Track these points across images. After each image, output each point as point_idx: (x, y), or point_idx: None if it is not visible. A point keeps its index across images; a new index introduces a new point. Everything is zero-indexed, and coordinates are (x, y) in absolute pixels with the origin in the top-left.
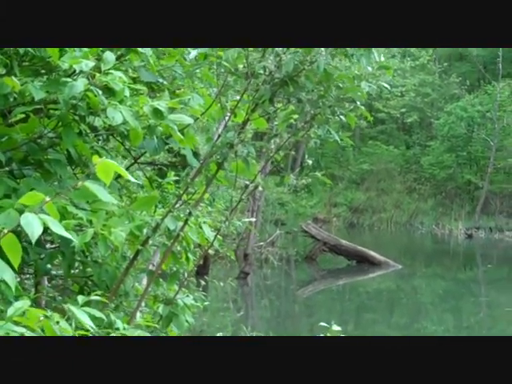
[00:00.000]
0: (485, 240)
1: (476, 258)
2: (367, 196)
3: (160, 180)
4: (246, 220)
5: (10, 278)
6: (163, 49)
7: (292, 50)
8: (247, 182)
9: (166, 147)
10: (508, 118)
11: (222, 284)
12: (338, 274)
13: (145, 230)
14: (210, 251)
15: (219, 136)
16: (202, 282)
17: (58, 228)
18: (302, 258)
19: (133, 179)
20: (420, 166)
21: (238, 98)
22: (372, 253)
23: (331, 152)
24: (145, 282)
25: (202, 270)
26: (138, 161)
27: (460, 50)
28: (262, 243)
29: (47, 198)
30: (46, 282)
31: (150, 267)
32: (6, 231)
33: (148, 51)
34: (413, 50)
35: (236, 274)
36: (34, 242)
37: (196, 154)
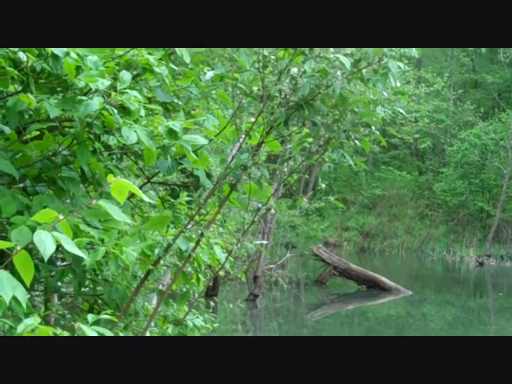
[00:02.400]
0: (496, 268)
1: (487, 286)
2: (379, 221)
3: (172, 200)
4: (258, 242)
5: (21, 295)
6: (179, 69)
7: (308, 73)
8: (259, 205)
9: (180, 167)
10: None
11: (231, 306)
12: (347, 299)
13: (156, 250)
14: (221, 272)
15: (233, 158)
16: (212, 304)
17: (71, 246)
18: (311, 282)
19: (147, 199)
20: (432, 192)
21: (253, 119)
22: (383, 278)
23: (344, 176)
24: (155, 301)
25: (211, 291)
26: (151, 180)
27: (475, 77)
28: (272, 265)
29: (61, 216)
30: (56, 300)
31: (160, 287)
32: (18, 248)
33: (164, 71)
34: (428, 76)
35: (245, 296)
36: (46, 259)
37: (209, 175)
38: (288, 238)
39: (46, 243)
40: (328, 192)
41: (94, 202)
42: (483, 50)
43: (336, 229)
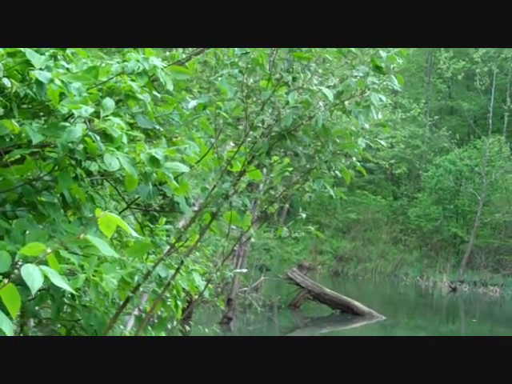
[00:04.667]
0: (469, 294)
1: (459, 312)
2: (353, 245)
3: (151, 226)
4: (238, 271)
5: (8, 328)
6: (161, 95)
7: (291, 104)
8: (234, 227)
9: (159, 193)
10: (496, 174)
11: (206, 330)
12: (321, 323)
13: (136, 277)
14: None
15: (214, 186)
16: (187, 328)
17: (58, 280)
18: (285, 305)
19: (135, 234)
20: (407, 218)
21: (232, 144)
22: (356, 303)
23: (318, 200)
24: (130, 324)
25: (185, 315)
26: (130, 206)
27: (451, 103)
28: (246, 288)
29: (48, 250)
30: (32, 323)
31: (136, 311)
32: (6, 281)
33: (147, 98)
34: (404, 101)
35: (219, 319)
36: (33, 293)
37: (187, 200)
38: (262, 261)
39: (33, 277)
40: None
41: (82, 235)
42: (459, 76)
43: (310, 252)
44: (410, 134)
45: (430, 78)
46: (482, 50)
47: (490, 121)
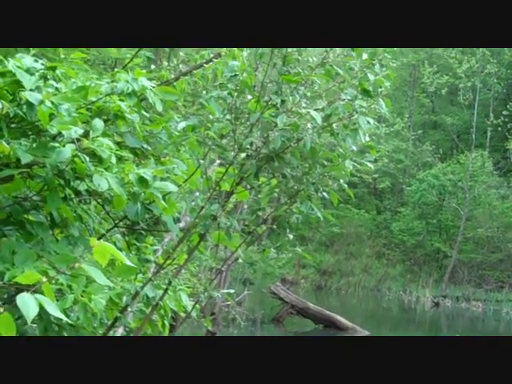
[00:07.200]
0: (451, 309)
1: (442, 327)
2: (336, 259)
3: (138, 244)
4: (225, 291)
5: None
6: (150, 115)
7: (280, 126)
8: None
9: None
10: (479, 189)
11: None
12: None
13: (124, 298)
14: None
15: (202, 207)
16: None
17: (53, 310)
18: (268, 320)
19: (129, 262)
20: (390, 232)
21: (218, 161)
22: (339, 318)
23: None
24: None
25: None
26: (117, 224)
27: (435, 118)
28: (229, 302)
29: (44, 279)
30: None
31: (121, 329)
32: (1, 310)
33: (136, 118)
34: (388, 116)
35: (202, 333)
36: (29, 322)
37: (174, 218)
38: (246, 275)
39: (29, 306)
40: (285, 229)
41: (77, 265)
42: (443, 91)
43: (293, 266)
44: (393, 148)
45: (413, 93)
46: (465, 65)
47: (474, 136)
